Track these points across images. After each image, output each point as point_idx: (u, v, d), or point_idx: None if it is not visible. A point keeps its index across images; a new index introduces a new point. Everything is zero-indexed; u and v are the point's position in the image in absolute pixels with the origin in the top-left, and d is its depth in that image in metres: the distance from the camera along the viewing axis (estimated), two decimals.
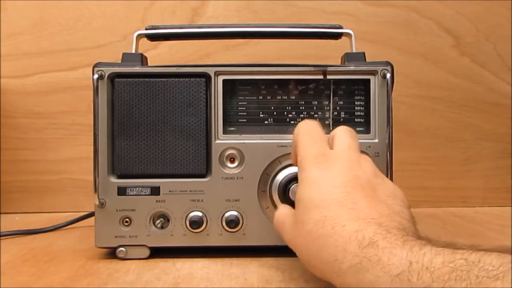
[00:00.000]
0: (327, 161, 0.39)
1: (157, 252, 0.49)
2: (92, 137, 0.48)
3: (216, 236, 0.49)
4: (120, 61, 0.50)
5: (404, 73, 0.79)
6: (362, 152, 0.46)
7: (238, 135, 0.50)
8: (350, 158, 0.40)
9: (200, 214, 0.48)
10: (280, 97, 0.50)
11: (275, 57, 0.79)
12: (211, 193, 0.49)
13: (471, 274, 0.26)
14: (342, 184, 0.37)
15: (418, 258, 0.29)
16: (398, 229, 0.33)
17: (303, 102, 0.50)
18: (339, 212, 0.35)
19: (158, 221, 0.49)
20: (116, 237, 0.48)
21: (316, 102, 0.50)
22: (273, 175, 0.49)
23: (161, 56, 0.77)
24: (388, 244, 0.31)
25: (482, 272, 0.25)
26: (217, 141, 0.49)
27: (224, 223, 0.49)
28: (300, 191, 0.39)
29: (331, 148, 0.42)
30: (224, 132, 0.50)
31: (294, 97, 0.50)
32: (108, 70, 0.49)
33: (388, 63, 0.50)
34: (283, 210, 0.43)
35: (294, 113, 0.50)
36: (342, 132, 0.43)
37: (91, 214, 0.61)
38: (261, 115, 0.50)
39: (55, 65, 0.78)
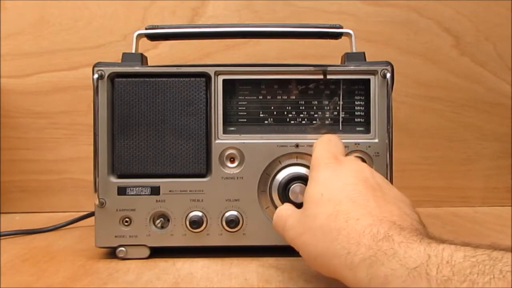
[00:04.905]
0: (338, 163, 0.41)
1: (157, 252, 0.49)
2: (92, 137, 0.48)
3: (216, 236, 0.49)
4: (120, 61, 0.50)
5: (404, 73, 0.79)
6: (360, 156, 0.49)
7: (238, 135, 0.50)
8: (360, 163, 0.42)
9: (200, 214, 0.48)
10: (280, 97, 0.50)
11: (275, 57, 0.79)
12: (211, 193, 0.49)
13: (495, 269, 0.25)
14: (353, 182, 0.38)
15: (437, 252, 0.27)
16: (410, 229, 0.33)
17: (303, 102, 0.50)
18: (351, 207, 0.35)
19: (158, 221, 0.49)
20: (116, 237, 0.48)
21: (316, 102, 0.50)
22: (273, 175, 0.49)
23: (161, 56, 0.77)
24: (404, 239, 0.30)
25: (506, 267, 0.24)
26: (217, 141, 0.49)
27: (224, 223, 0.49)
28: (310, 189, 0.39)
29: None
30: (224, 132, 0.50)
31: (294, 97, 0.50)
32: (108, 70, 0.49)
33: (388, 63, 0.50)
34: (285, 209, 0.43)
35: (294, 113, 0.50)
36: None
37: (91, 214, 0.61)
38: (261, 115, 0.50)
39: (55, 65, 0.78)
